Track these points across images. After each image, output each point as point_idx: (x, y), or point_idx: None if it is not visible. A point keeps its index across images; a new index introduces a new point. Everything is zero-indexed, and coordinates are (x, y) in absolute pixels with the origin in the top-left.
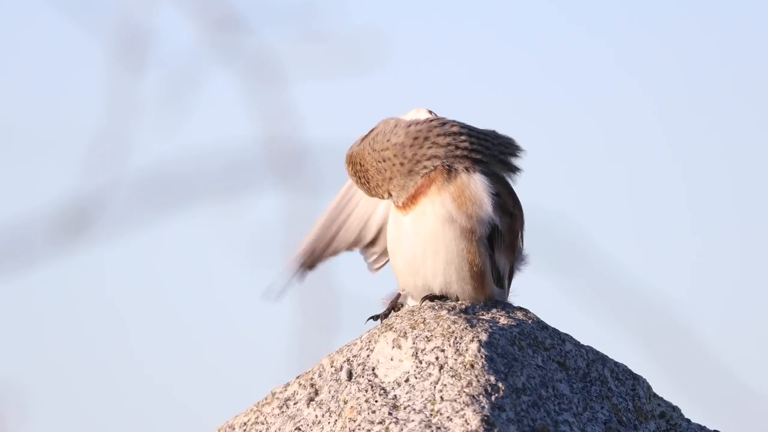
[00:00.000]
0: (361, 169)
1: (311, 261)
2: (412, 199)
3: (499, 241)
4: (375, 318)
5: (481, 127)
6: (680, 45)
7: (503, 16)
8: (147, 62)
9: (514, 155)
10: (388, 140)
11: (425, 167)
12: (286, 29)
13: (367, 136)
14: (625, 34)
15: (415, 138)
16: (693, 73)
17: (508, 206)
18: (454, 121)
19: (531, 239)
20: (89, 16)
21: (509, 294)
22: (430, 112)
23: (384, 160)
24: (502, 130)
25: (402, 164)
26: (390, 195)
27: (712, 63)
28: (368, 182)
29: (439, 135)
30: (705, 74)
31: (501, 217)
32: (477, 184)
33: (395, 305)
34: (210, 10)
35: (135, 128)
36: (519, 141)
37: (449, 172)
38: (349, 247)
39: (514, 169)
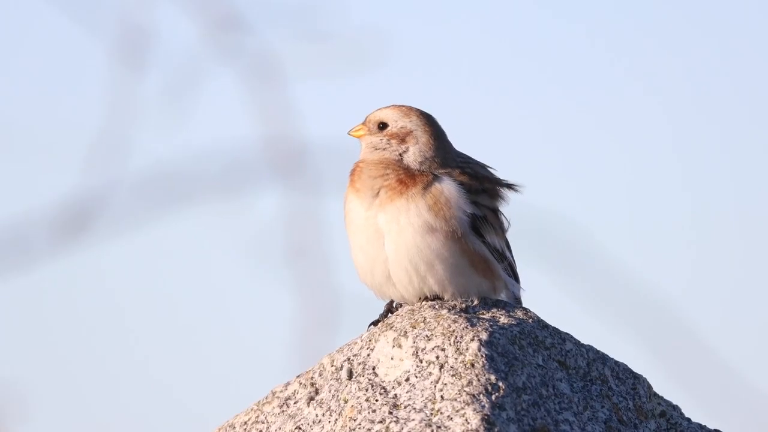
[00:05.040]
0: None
1: None
2: (378, 194)
3: (486, 226)
4: (375, 323)
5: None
6: (681, 45)
7: (504, 16)
8: (147, 62)
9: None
10: (410, 119)
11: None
12: (286, 29)
13: None
14: (625, 35)
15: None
16: (693, 74)
17: (476, 187)
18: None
19: (531, 239)
20: (90, 16)
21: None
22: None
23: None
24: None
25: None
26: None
27: (712, 64)
28: (380, 132)
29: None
30: (705, 75)
31: (477, 204)
32: (446, 186)
33: (391, 307)
34: (210, 9)
35: (135, 128)
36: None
37: (412, 180)
38: None
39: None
